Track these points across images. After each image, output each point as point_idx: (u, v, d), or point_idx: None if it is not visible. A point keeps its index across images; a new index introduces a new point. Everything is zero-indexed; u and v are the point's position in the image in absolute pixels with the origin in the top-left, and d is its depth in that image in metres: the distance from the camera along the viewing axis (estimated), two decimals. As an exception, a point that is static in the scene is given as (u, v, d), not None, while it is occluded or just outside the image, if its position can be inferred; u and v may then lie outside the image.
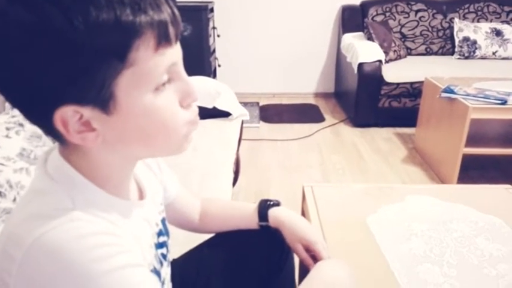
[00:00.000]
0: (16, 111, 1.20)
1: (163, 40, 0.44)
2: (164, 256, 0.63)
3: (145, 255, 0.56)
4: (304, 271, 0.80)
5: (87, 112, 0.44)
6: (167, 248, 0.65)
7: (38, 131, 1.16)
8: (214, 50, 3.28)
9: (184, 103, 0.50)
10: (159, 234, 0.62)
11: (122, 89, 0.43)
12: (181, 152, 0.53)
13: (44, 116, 0.44)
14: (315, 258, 0.80)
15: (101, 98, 0.43)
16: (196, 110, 0.52)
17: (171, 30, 0.45)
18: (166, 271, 0.65)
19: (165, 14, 0.44)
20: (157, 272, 0.59)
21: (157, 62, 0.44)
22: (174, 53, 0.47)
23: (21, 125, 1.13)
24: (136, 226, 0.55)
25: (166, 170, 0.75)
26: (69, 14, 0.39)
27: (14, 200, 0.95)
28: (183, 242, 0.89)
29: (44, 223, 0.43)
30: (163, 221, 0.66)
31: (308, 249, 0.81)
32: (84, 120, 0.44)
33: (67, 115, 0.43)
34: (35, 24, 0.39)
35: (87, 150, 0.48)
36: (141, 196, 0.61)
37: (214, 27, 3.24)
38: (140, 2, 0.42)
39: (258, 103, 3.58)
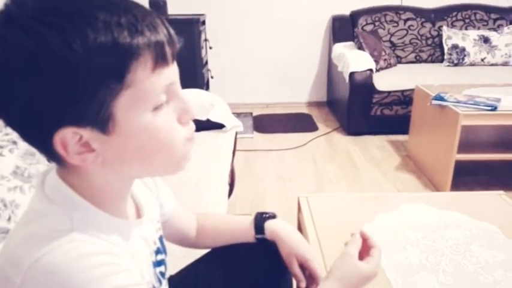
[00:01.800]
0: (10, 129, 1.19)
1: (160, 60, 0.45)
2: (163, 274, 0.63)
3: (144, 274, 0.56)
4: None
5: (87, 133, 0.44)
6: (165, 266, 0.65)
7: (31, 148, 1.15)
8: (206, 62, 3.30)
9: (183, 120, 0.50)
10: (157, 252, 0.62)
11: (121, 109, 0.44)
12: (180, 171, 0.53)
13: (44, 139, 0.44)
14: (310, 276, 0.80)
15: (100, 119, 0.43)
16: (193, 127, 0.53)
17: (168, 50, 0.46)
18: (165, 289, 0.65)
19: (162, 35, 0.45)
20: (156, 291, 0.59)
21: (155, 82, 0.45)
22: (171, 72, 0.48)
23: (14, 142, 1.13)
24: (135, 245, 0.55)
25: (162, 186, 0.75)
26: (67, 37, 0.39)
27: (9, 219, 0.95)
28: (179, 258, 0.89)
29: (42, 245, 0.43)
30: (160, 238, 0.66)
31: (302, 266, 0.81)
32: (83, 141, 0.45)
33: (67, 137, 0.44)
34: (33, 48, 0.40)
35: (85, 170, 0.48)
36: (139, 214, 0.61)
37: (206, 40, 3.26)
38: (137, 23, 0.43)
39: (251, 113, 3.59)
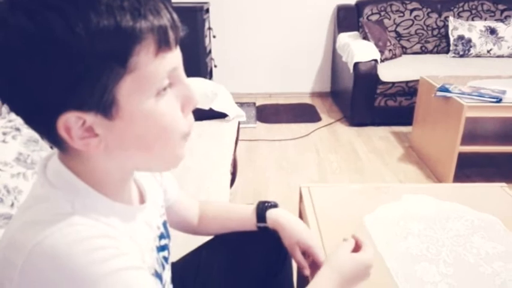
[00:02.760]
0: (13, 116, 1.20)
1: (163, 45, 0.45)
2: (166, 259, 0.64)
3: (146, 258, 0.56)
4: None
5: (90, 118, 0.44)
6: (168, 251, 0.66)
7: (34, 135, 1.15)
8: (210, 51, 3.28)
9: (186, 109, 0.50)
10: (161, 237, 0.63)
11: (124, 94, 0.44)
12: (175, 167, 0.53)
13: (47, 123, 0.44)
14: (313, 263, 0.81)
15: (103, 103, 0.43)
16: (193, 123, 0.52)
17: (171, 35, 0.46)
18: (167, 274, 0.65)
19: (165, 19, 0.45)
20: (159, 275, 0.59)
21: (158, 67, 0.45)
22: (174, 57, 0.47)
23: (17, 129, 1.13)
24: (138, 230, 0.55)
25: (166, 173, 0.75)
26: (70, 21, 0.39)
27: (12, 205, 0.95)
28: (181, 245, 0.90)
29: (43, 228, 0.43)
30: (164, 223, 0.66)
31: (304, 253, 0.81)
32: (87, 126, 0.45)
33: (70, 121, 0.44)
34: (36, 32, 0.39)
35: (87, 156, 0.48)
36: (142, 199, 0.61)
37: (210, 28, 3.25)
38: (140, 7, 0.42)
39: (254, 103, 3.58)
